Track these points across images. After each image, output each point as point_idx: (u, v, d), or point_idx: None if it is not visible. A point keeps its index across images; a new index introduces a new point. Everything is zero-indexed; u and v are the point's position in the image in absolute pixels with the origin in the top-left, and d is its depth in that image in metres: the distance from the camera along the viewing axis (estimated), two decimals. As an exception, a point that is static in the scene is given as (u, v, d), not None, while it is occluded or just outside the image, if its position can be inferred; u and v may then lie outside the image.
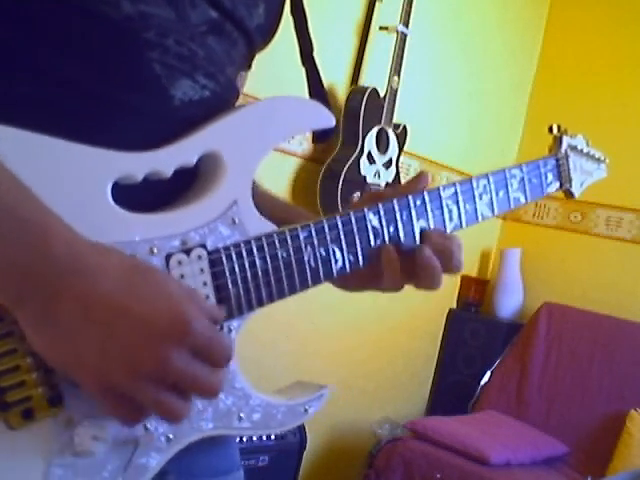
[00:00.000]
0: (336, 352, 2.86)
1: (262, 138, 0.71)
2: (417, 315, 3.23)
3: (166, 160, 0.65)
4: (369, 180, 2.57)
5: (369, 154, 2.58)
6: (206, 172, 0.69)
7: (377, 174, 2.61)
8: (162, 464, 0.66)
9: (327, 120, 0.74)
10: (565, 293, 3.37)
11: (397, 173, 2.71)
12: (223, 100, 0.74)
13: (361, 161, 2.54)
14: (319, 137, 0.80)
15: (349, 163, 2.49)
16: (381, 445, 2.77)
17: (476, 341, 3.32)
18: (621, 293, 3.27)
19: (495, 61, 3.43)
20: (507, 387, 3.18)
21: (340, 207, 2.44)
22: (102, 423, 0.62)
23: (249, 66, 0.84)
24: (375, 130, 2.60)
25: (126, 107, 0.65)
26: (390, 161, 2.68)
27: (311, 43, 0.87)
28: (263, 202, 0.75)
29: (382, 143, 2.63)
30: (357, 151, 2.52)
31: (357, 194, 2.52)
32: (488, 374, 3.25)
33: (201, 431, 0.68)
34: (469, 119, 3.35)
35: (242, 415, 0.70)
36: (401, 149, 2.73)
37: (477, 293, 3.46)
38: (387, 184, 2.66)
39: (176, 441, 0.66)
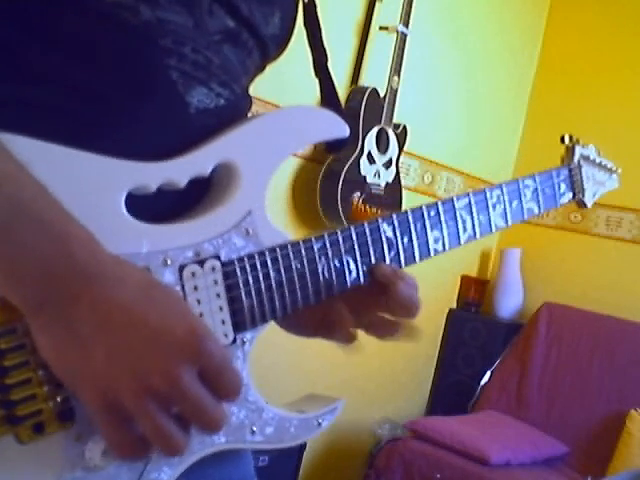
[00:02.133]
0: (336, 352, 2.85)
1: (277, 148, 0.70)
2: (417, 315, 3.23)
3: (180, 170, 0.65)
4: (369, 180, 2.57)
5: (369, 154, 2.58)
6: (220, 182, 0.68)
7: (377, 174, 2.61)
8: (174, 478, 0.65)
9: (342, 130, 0.74)
10: (565, 293, 3.37)
11: (397, 173, 2.71)
12: (237, 109, 0.73)
13: (361, 161, 2.54)
14: (333, 147, 0.79)
15: (349, 163, 2.49)
16: (381, 445, 2.78)
17: (476, 341, 3.32)
18: (621, 293, 3.27)
19: (495, 61, 3.43)
20: (507, 387, 3.18)
21: (340, 207, 2.44)
22: None
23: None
24: (375, 130, 2.60)
25: (141, 113, 0.65)
26: (390, 161, 2.68)
27: (325, 53, 0.86)
28: None
29: (382, 143, 2.63)
30: (357, 151, 2.52)
31: (357, 194, 2.52)
32: (488, 374, 3.25)
33: (213, 445, 0.67)
34: (469, 119, 3.35)
35: (255, 429, 0.70)
36: (401, 149, 2.73)
37: (477, 293, 3.46)
38: (387, 184, 2.66)
39: (188, 455, 0.65)
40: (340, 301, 0.75)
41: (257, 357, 2.41)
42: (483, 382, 3.24)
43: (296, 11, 0.82)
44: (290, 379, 2.66)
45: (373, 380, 3.09)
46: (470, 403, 3.23)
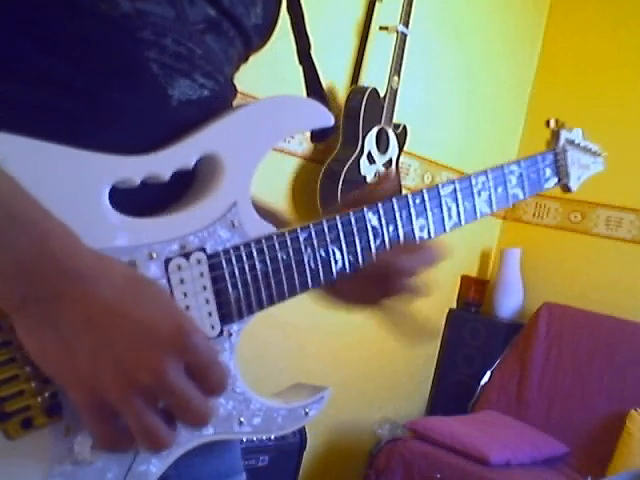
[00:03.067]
0: (336, 352, 2.86)
1: (261, 138, 0.70)
2: (417, 315, 3.23)
3: (164, 163, 0.64)
4: (369, 180, 2.57)
5: (369, 154, 2.58)
6: (204, 174, 0.68)
7: (377, 174, 2.61)
8: (163, 470, 0.65)
9: (326, 119, 0.73)
10: (565, 293, 3.37)
11: (397, 173, 2.71)
12: (222, 99, 0.73)
13: (361, 161, 2.54)
14: (318, 136, 0.79)
15: (349, 163, 2.49)
16: (381, 445, 2.77)
17: (476, 341, 3.32)
18: (621, 293, 3.27)
19: (495, 61, 3.43)
20: (507, 387, 3.18)
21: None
22: None
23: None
24: (375, 130, 2.60)
25: (123, 107, 0.64)
26: (390, 161, 2.68)
27: (308, 41, 0.86)
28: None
29: (382, 143, 2.63)
30: (357, 151, 2.52)
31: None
32: (488, 374, 3.25)
33: (201, 437, 0.67)
34: (469, 119, 3.35)
35: (242, 420, 0.70)
36: (401, 149, 2.73)
37: (477, 293, 3.46)
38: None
39: (176, 447, 0.65)
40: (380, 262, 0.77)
41: (257, 357, 2.42)
42: (483, 382, 3.24)
43: (279, 1, 0.81)
44: (290, 379, 2.66)
45: (373, 380, 3.09)
46: (470, 403, 3.23)
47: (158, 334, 0.52)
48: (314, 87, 0.85)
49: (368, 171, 2.57)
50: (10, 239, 0.51)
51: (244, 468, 0.82)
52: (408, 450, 2.65)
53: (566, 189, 0.97)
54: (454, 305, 3.47)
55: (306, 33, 0.86)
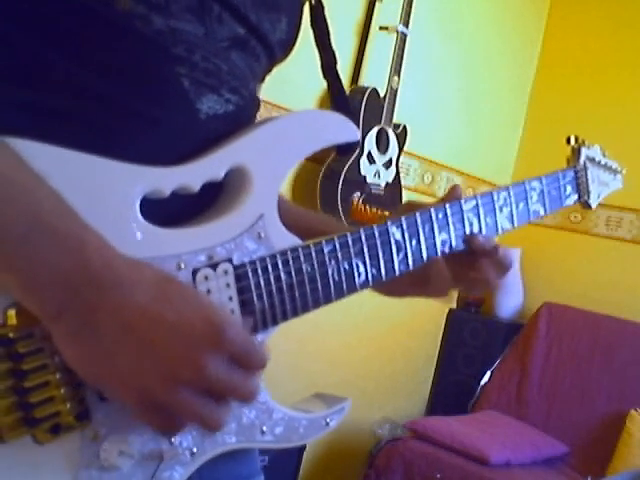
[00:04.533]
0: (336, 352, 2.86)
1: (288, 152, 0.71)
2: (417, 315, 3.23)
3: (194, 175, 0.65)
4: (369, 180, 2.57)
5: (369, 154, 2.58)
6: (233, 186, 0.69)
7: (377, 174, 2.61)
8: (186, 477, 0.66)
9: (352, 134, 0.75)
10: (565, 293, 3.37)
11: (397, 173, 2.71)
12: (246, 113, 0.75)
13: (361, 161, 2.54)
14: (343, 150, 0.80)
15: (349, 163, 2.49)
16: (381, 445, 2.77)
17: (476, 341, 3.32)
18: (621, 293, 3.27)
19: (495, 61, 3.43)
20: (507, 387, 3.18)
21: (340, 207, 2.44)
22: (128, 438, 0.62)
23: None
24: (375, 130, 2.60)
25: (154, 120, 0.66)
26: (390, 161, 2.68)
27: (334, 55, 0.87)
28: (288, 214, 0.75)
29: (382, 143, 2.63)
30: (357, 151, 2.52)
31: (357, 194, 2.52)
32: (488, 374, 3.25)
33: (224, 445, 0.69)
34: (469, 119, 3.35)
35: (265, 429, 0.71)
36: (401, 149, 2.73)
37: (477, 293, 3.45)
38: (387, 184, 2.67)
39: (200, 455, 0.67)
40: (441, 260, 0.80)
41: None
42: (483, 382, 3.24)
43: (301, 14, 0.83)
44: (290, 379, 2.66)
45: (373, 380, 3.09)
46: (470, 403, 3.23)
47: (192, 333, 0.55)
48: (339, 101, 0.86)
49: (368, 171, 2.57)
50: (48, 254, 0.53)
51: None
52: (408, 450, 2.65)
53: (587, 206, 0.97)
54: (454, 305, 3.47)
55: (331, 48, 0.87)
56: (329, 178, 2.48)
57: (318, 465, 2.88)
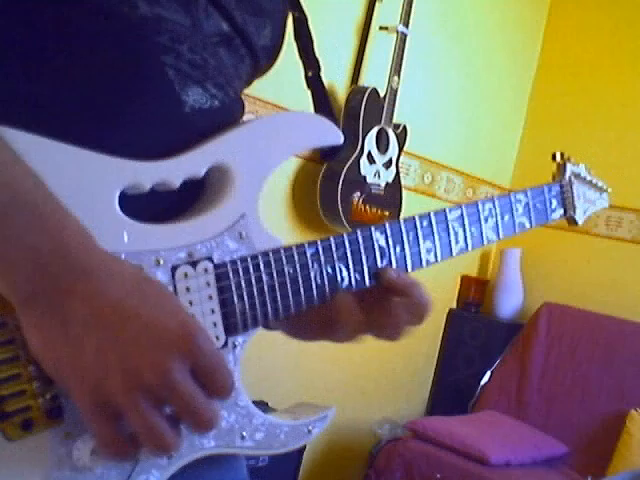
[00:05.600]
0: (336, 352, 2.86)
1: (271, 153, 0.71)
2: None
3: (174, 171, 0.65)
4: (369, 180, 2.57)
5: (369, 154, 2.58)
6: (214, 184, 0.69)
7: (377, 174, 2.61)
8: None
9: (336, 137, 0.75)
10: (565, 293, 3.37)
11: (397, 173, 2.71)
12: (231, 112, 0.73)
13: (361, 161, 2.54)
14: (326, 154, 0.79)
15: (349, 163, 2.49)
16: (381, 445, 2.78)
17: (476, 341, 3.32)
18: (621, 293, 3.27)
19: (495, 61, 3.43)
20: (507, 387, 3.18)
21: (340, 207, 2.45)
22: None
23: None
24: (375, 130, 2.60)
25: (138, 110, 0.65)
26: (390, 161, 2.68)
27: (318, 65, 0.86)
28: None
29: (382, 143, 2.63)
30: (357, 151, 2.52)
31: (357, 194, 2.52)
32: (488, 374, 3.25)
33: (203, 449, 0.67)
34: (469, 119, 3.35)
35: (245, 434, 0.69)
36: (401, 149, 2.73)
37: (477, 293, 3.46)
38: (387, 184, 2.66)
39: (177, 459, 0.65)
40: (352, 299, 0.73)
41: (257, 357, 2.41)
42: (483, 382, 3.24)
43: (285, 24, 0.82)
44: (290, 379, 2.66)
45: (373, 380, 3.09)
46: (470, 403, 3.23)
47: (164, 335, 0.53)
48: (323, 110, 0.85)
49: (368, 171, 2.57)
50: (25, 231, 0.52)
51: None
52: (408, 450, 2.65)
53: (572, 222, 0.98)
54: (454, 305, 3.47)
55: (315, 58, 0.86)
56: (329, 178, 2.48)
57: (318, 465, 2.88)
